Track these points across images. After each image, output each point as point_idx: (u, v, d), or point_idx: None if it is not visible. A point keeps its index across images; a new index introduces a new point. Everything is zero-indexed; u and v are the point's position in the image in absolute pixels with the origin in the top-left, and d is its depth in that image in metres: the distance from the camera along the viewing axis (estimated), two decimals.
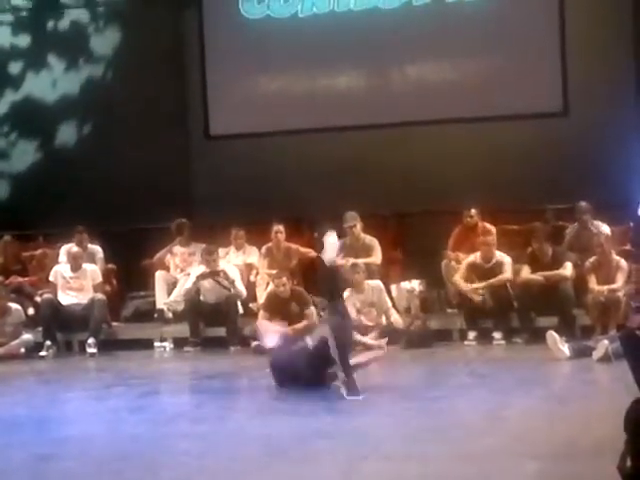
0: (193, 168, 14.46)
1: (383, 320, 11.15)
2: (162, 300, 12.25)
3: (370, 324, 11.03)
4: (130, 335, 11.98)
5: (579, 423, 6.65)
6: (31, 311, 12.09)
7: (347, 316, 8.60)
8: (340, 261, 11.84)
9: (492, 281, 11.13)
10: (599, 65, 13.11)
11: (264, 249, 12.35)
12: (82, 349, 11.55)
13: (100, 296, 11.76)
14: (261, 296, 11.76)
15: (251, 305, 11.84)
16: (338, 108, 13.91)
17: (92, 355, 11.33)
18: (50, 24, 14.86)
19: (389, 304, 11.27)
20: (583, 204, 11.78)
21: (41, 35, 14.83)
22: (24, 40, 14.92)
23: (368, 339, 10.86)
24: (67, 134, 14.68)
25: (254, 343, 10.94)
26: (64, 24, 14.82)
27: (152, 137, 13.90)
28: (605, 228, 11.62)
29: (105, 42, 14.70)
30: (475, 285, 11.16)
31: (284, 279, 11.05)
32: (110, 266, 12.75)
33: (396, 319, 11.16)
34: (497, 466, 5.62)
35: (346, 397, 7.64)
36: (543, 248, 11.20)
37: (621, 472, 4.62)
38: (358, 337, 10.82)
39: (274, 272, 11.63)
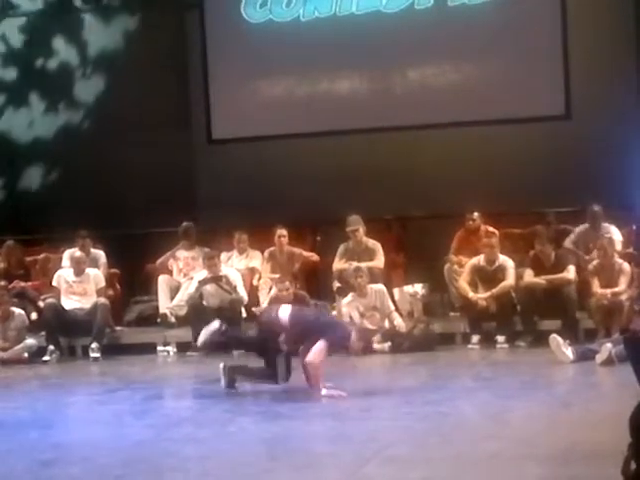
0: (196, 172, 14.47)
1: (386, 324, 11.16)
2: (165, 304, 12.25)
3: (373, 328, 11.01)
4: (133, 339, 11.98)
5: (583, 427, 6.65)
6: (34, 316, 12.09)
7: None
8: (342, 265, 11.88)
9: (495, 291, 11.11)
10: (602, 68, 13.11)
11: (267, 253, 12.36)
12: (85, 354, 11.56)
13: (103, 300, 11.76)
14: (264, 300, 11.76)
15: (254, 309, 11.83)
16: (340, 112, 13.91)
17: (95, 359, 11.33)
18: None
19: (392, 308, 11.28)
20: (596, 208, 11.73)
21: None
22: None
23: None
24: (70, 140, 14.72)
25: None
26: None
27: (155, 141, 13.91)
28: (615, 232, 11.58)
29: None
30: (480, 295, 11.14)
31: (287, 283, 11.05)
32: (113, 270, 12.76)
33: (399, 323, 11.17)
34: (501, 469, 5.62)
35: None
36: (546, 251, 11.20)
37: (625, 476, 4.61)
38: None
39: (277, 276, 11.63)
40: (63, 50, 14.76)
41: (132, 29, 14.59)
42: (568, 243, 11.75)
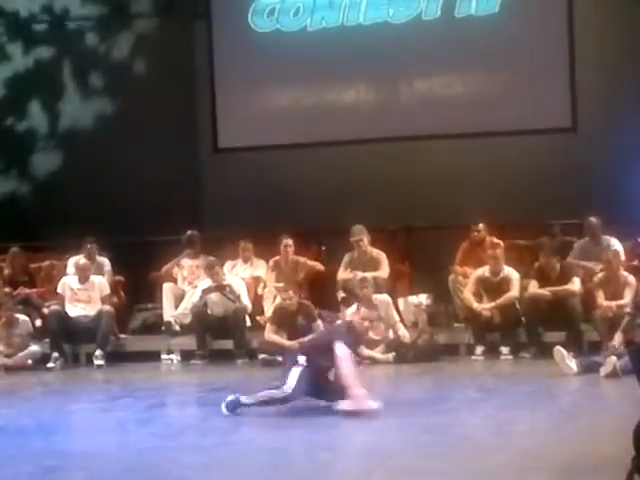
0: (201, 180, 14.50)
1: (390, 334, 11.14)
2: (169, 312, 12.25)
3: (377, 338, 11.02)
4: (137, 347, 11.99)
5: (586, 439, 6.63)
6: (38, 323, 12.09)
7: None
8: (347, 274, 11.88)
9: (500, 301, 11.11)
10: (608, 81, 13.13)
11: (272, 262, 12.37)
12: (89, 361, 11.56)
13: (108, 308, 11.76)
14: (268, 309, 11.77)
15: (258, 318, 11.85)
16: (346, 121, 13.94)
17: (99, 367, 11.33)
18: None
19: (396, 318, 11.27)
20: (592, 219, 11.76)
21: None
22: None
23: (375, 353, 10.87)
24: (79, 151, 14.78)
25: (261, 356, 10.95)
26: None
27: (160, 149, 13.93)
28: (616, 244, 11.59)
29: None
30: (485, 305, 11.14)
31: (291, 292, 11.05)
32: (118, 278, 12.77)
33: (403, 333, 11.16)
34: None
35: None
36: (551, 263, 11.18)
37: None
38: (365, 351, 10.85)
39: (281, 285, 11.63)
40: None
41: (140, 38, 14.63)
42: (571, 260, 11.73)
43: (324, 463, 6.17)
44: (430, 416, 7.59)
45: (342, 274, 11.97)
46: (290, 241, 12.27)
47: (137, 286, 13.10)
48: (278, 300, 11.46)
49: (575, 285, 11.05)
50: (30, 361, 11.47)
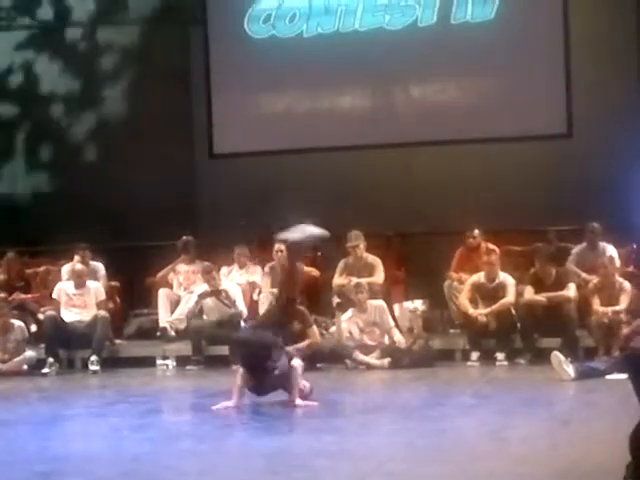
0: (197, 186, 14.49)
1: (386, 340, 11.15)
2: (165, 318, 12.25)
3: (372, 344, 11.04)
4: (133, 353, 11.97)
5: (582, 445, 6.63)
6: (34, 328, 12.09)
7: None
8: (342, 280, 11.88)
9: (495, 307, 11.12)
10: (604, 87, 13.14)
11: (267, 267, 12.37)
12: (85, 366, 11.55)
13: (103, 313, 11.75)
14: None
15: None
16: (342, 128, 13.95)
17: (94, 372, 11.33)
18: None
19: (392, 324, 11.28)
20: (595, 225, 11.77)
21: None
22: None
23: (370, 359, 10.87)
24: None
25: None
26: None
27: (156, 155, 13.93)
28: (612, 250, 11.61)
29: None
30: (480, 311, 11.15)
31: None
32: (113, 283, 12.76)
33: (399, 339, 11.17)
34: None
35: None
36: (546, 269, 11.19)
37: None
38: (360, 357, 10.85)
39: (276, 290, 11.60)
40: None
41: (136, 43, 14.64)
42: (570, 265, 11.75)
43: (319, 468, 6.16)
44: (425, 422, 7.59)
45: (337, 280, 11.98)
46: (282, 246, 12.23)
47: (133, 291, 13.09)
48: None
49: (570, 291, 11.06)
50: (25, 366, 11.46)
